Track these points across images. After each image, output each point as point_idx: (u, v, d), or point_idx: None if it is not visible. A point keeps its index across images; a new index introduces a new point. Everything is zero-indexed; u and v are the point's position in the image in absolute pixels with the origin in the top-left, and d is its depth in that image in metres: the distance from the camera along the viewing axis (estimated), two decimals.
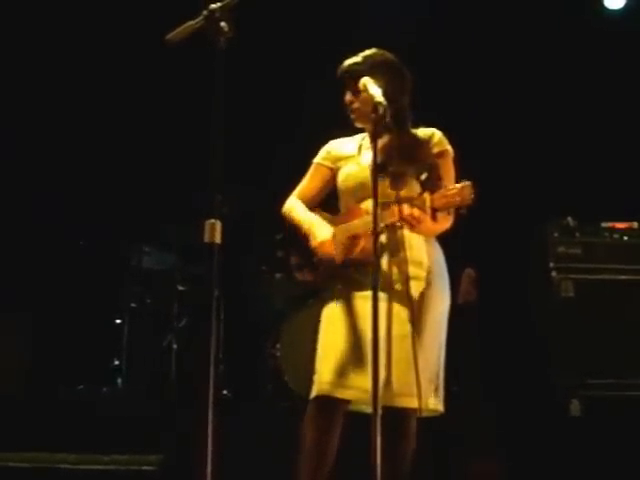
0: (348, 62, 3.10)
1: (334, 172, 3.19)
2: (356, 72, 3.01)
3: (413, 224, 2.78)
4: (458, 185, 2.67)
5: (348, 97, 3.08)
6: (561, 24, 5.95)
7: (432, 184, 2.79)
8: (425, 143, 3.03)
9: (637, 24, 5.97)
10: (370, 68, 2.99)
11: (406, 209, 2.75)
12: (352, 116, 3.12)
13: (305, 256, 3.07)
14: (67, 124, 6.05)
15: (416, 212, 2.73)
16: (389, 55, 3.10)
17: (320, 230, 3.03)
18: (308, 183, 3.25)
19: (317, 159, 3.25)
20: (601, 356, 4.93)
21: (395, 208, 2.78)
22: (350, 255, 2.94)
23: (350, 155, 3.16)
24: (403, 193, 2.84)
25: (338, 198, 3.19)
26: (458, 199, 2.64)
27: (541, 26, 5.93)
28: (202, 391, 2.18)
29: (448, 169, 3.03)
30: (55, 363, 5.44)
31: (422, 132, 3.08)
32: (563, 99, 5.93)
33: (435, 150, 3.04)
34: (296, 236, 3.15)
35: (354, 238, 2.93)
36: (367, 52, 3.09)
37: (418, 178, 2.90)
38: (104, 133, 6.09)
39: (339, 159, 3.18)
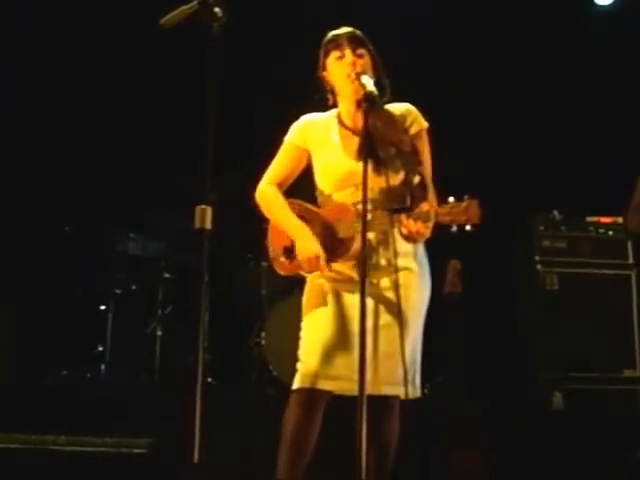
0: (348, 29, 2.97)
1: (309, 154, 3.04)
2: (360, 38, 2.94)
3: (416, 240, 2.75)
4: (464, 203, 2.55)
5: (350, 58, 2.90)
6: (550, 19, 5.97)
7: (422, 188, 2.76)
8: (401, 121, 2.96)
9: (626, 20, 6.00)
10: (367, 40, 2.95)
11: (412, 225, 2.65)
12: (335, 88, 2.97)
13: (283, 248, 3.01)
14: (52, 109, 5.99)
15: (421, 229, 2.64)
16: None
17: (309, 244, 2.88)
18: (283, 165, 3.07)
19: (291, 139, 3.06)
20: (584, 349, 4.97)
21: (400, 219, 2.69)
22: (340, 258, 2.88)
23: (329, 141, 3.00)
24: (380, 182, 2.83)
25: (311, 180, 3.07)
26: (464, 218, 2.54)
27: (531, 21, 5.94)
28: (189, 377, 2.18)
29: (425, 147, 2.98)
30: (40, 349, 5.42)
31: (396, 108, 3.00)
32: (551, 93, 5.95)
33: (413, 131, 2.96)
34: (274, 228, 3.07)
35: (347, 241, 2.84)
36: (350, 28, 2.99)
37: (409, 179, 2.85)
38: (89, 118, 6.03)
39: (317, 143, 3.02)
